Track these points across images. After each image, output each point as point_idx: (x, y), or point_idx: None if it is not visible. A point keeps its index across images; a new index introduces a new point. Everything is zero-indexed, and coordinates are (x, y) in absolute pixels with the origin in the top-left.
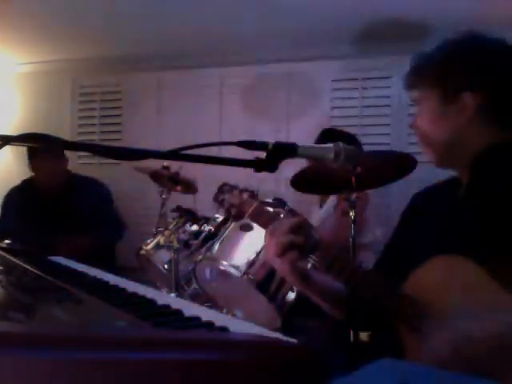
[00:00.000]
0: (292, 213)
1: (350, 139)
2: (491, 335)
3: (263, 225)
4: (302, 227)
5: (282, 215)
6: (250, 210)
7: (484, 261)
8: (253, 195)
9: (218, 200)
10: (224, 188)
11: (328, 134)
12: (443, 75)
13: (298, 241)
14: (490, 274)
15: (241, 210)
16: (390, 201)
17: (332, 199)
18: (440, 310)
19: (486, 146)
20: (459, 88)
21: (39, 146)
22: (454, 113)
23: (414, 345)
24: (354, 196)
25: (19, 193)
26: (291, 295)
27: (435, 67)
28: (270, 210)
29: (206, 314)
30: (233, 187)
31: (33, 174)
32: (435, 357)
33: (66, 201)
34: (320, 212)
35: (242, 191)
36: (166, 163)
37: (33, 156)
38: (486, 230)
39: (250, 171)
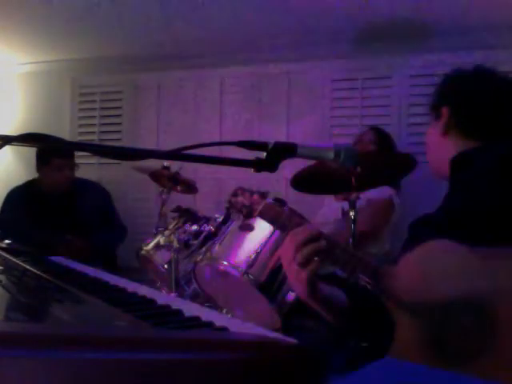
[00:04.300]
0: (292, 213)
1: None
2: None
3: (270, 221)
4: (323, 234)
5: (286, 211)
6: (259, 208)
7: (472, 244)
8: (263, 196)
9: (232, 202)
10: (237, 191)
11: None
12: (433, 100)
13: (321, 247)
14: (477, 256)
15: (251, 209)
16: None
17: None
18: (426, 288)
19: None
20: (439, 104)
21: (53, 154)
22: (437, 127)
23: (402, 321)
24: (353, 196)
25: (22, 192)
26: (291, 295)
27: (432, 95)
28: (278, 207)
29: (206, 314)
30: (245, 190)
31: (39, 176)
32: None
33: (67, 203)
34: (339, 205)
35: (253, 193)
36: (166, 163)
37: (46, 162)
38: (473, 216)
39: (249, 171)
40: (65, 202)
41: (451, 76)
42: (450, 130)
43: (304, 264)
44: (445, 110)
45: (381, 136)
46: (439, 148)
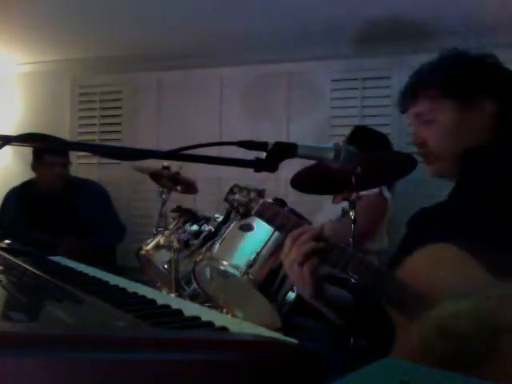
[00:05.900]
0: (292, 213)
1: (382, 139)
2: (475, 309)
3: (268, 220)
4: (322, 235)
5: (285, 210)
6: (256, 207)
7: (473, 248)
8: (260, 194)
9: (228, 200)
10: (234, 189)
11: (360, 132)
12: (455, 84)
13: (320, 247)
14: (478, 260)
15: (248, 208)
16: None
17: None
18: (428, 294)
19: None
20: (477, 95)
21: (46, 151)
22: (473, 120)
23: (402, 323)
24: (354, 196)
25: (19, 193)
26: (291, 295)
27: (444, 77)
28: (275, 206)
29: (206, 314)
30: (242, 188)
31: (35, 175)
32: (420, 336)
33: (65, 203)
34: (333, 208)
35: (249, 191)
36: (165, 163)
37: (39, 160)
38: (474, 219)
39: (250, 171)
40: (63, 201)
41: (471, 59)
42: (491, 126)
43: (302, 262)
44: (489, 104)
45: (352, 134)
46: (459, 137)
